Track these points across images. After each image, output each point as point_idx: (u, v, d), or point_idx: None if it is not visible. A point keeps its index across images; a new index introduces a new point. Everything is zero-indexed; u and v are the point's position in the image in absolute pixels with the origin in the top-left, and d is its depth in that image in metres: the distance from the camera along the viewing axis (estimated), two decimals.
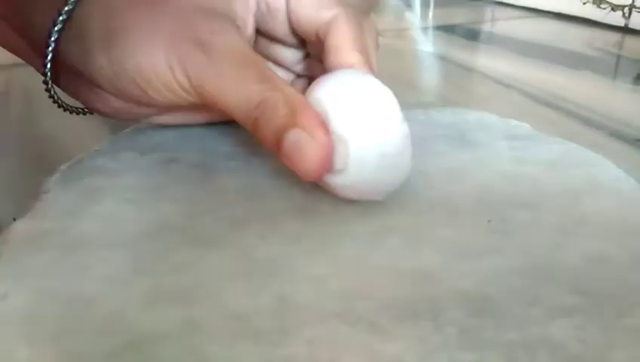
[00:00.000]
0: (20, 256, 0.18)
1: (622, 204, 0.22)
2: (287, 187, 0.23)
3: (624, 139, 0.34)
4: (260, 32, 0.26)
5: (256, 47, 0.27)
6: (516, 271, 0.18)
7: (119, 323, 0.16)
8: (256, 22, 0.25)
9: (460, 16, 0.71)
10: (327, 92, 0.21)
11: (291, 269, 0.18)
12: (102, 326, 0.16)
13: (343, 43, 0.23)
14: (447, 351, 0.15)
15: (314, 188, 0.23)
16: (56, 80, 0.24)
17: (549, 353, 0.15)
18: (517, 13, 0.72)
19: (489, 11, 0.74)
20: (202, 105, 0.23)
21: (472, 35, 0.63)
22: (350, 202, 0.22)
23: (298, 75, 0.28)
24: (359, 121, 0.20)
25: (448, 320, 0.16)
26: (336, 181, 0.21)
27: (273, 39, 0.27)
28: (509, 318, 0.16)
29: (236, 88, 0.21)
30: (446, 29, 0.64)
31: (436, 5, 0.77)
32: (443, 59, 0.51)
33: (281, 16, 0.25)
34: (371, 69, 0.23)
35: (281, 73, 0.28)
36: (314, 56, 0.27)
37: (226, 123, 0.29)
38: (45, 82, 0.24)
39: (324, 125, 0.20)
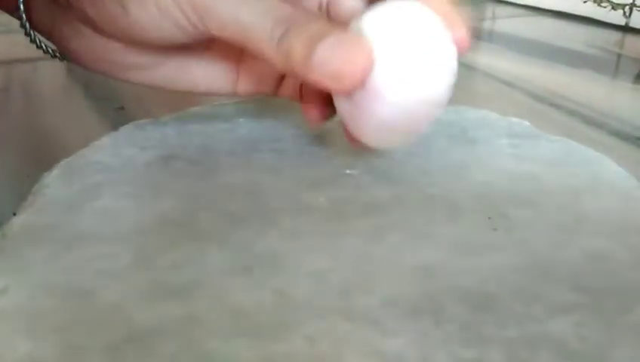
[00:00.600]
0: (20, 250, 0.18)
1: (622, 201, 0.22)
2: (287, 183, 0.23)
3: (625, 138, 0.34)
4: None
5: None
6: (517, 268, 0.18)
7: (119, 318, 0.16)
8: None
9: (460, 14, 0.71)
10: (374, 21, 0.19)
11: (291, 265, 0.18)
12: (101, 320, 0.16)
13: None
14: (447, 347, 0.15)
15: (314, 185, 0.23)
16: (30, 15, 0.22)
17: (550, 350, 0.15)
18: (518, 11, 0.71)
19: (489, 9, 0.74)
20: (201, 41, 0.20)
21: (472, 33, 0.63)
22: (350, 199, 0.22)
23: None
24: (402, 48, 0.18)
25: (449, 317, 0.16)
26: (369, 106, 0.19)
27: None
28: (509, 315, 0.16)
29: (254, 6, 0.18)
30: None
31: None
32: None
33: None
34: None
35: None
36: None
37: (224, 120, 0.29)
38: (19, 17, 0.22)
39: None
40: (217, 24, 0.19)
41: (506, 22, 0.68)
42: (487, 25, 0.68)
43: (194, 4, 0.19)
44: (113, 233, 0.19)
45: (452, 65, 0.20)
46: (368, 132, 0.21)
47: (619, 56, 0.54)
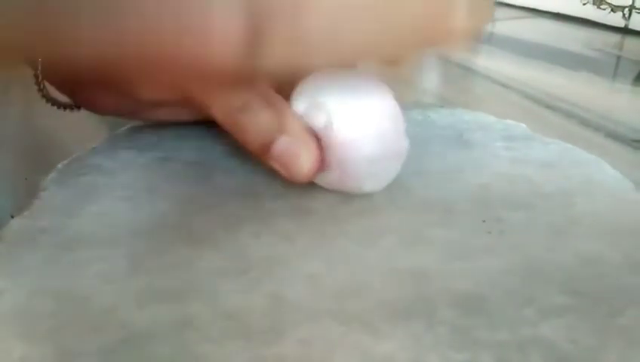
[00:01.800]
0: (16, 253, 0.18)
1: (617, 205, 0.22)
2: (282, 186, 0.23)
3: (622, 140, 0.34)
4: None
5: None
6: (509, 271, 0.18)
7: (113, 321, 0.16)
8: None
9: None
10: (324, 84, 0.21)
11: (285, 268, 0.18)
12: (96, 323, 0.16)
13: None
14: (439, 351, 0.15)
15: (309, 188, 0.23)
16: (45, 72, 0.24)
17: (541, 353, 0.15)
18: (517, 13, 0.72)
19: None
20: (186, 101, 0.23)
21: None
22: (346, 202, 0.22)
23: None
24: (356, 117, 0.20)
25: (441, 320, 0.16)
26: (325, 178, 0.21)
27: None
28: (501, 318, 0.16)
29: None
30: None
31: None
32: (442, 59, 0.51)
33: None
34: None
35: None
36: None
37: None
38: (36, 76, 0.24)
39: (309, 129, 0.21)
40: (190, 98, 0.22)
41: (505, 24, 0.68)
42: (486, 27, 0.68)
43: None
44: (109, 236, 0.19)
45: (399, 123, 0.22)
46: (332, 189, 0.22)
47: (618, 58, 0.54)
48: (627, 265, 0.19)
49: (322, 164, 0.21)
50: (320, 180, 0.22)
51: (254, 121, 0.21)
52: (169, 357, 0.15)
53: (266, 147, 0.20)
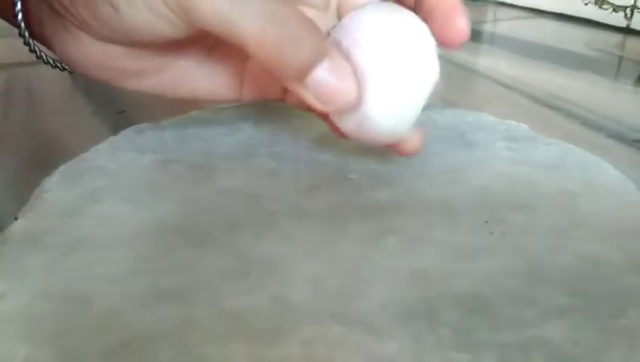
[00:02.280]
0: (20, 255, 0.19)
1: (619, 205, 0.22)
2: (284, 188, 0.23)
3: (623, 141, 0.34)
4: None
5: None
6: (512, 272, 0.18)
7: (117, 323, 0.16)
8: None
9: None
10: (365, 21, 0.20)
11: (288, 269, 0.18)
12: (99, 325, 0.16)
13: None
14: (441, 352, 0.15)
15: (311, 189, 0.23)
16: (30, 25, 0.22)
17: (543, 354, 0.15)
18: (519, 13, 0.71)
19: (491, 11, 0.74)
20: (196, 37, 0.20)
21: (473, 35, 0.63)
22: (348, 204, 0.22)
23: None
24: (392, 58, 0.20)
25: (443, 321, 0.16)
26: (350, 115, 0.21)
27: None
28: (503, 319, 0.16)
29: (252, 22, 0.18)
30: None
31: None
32: (444, 59, 0.51)
33: None
34: None
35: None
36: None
37: (223, 124, 0.29)
38: (18, 26, 0.22)
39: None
40: (200, 18, 0.18)
41: (507, 24, 0.68)
42: (488, 27, 0.68)
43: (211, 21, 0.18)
44: (112, 238, 0.20)
45: (433, 66, 0.21)
46: (359, 134, 0.21)
47: (620, 58, 0.54)
48: (629, 266, 0.19)
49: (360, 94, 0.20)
50: (339, 120, 0.21)
51: (294, 39, 0.18)
52: (171, 358, 0.15)
53: (304, 72, 0.18)
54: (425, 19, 0.21)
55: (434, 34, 0.21)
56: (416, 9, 0.22)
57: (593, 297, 0.17)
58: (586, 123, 0.36)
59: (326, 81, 0.18)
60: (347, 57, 0.20)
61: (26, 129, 0.35)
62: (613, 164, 0.27)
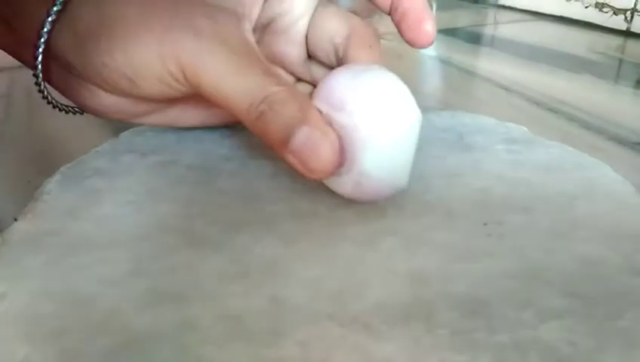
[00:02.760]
0: (20, 256, 0.19)
1: (617, 208, 0.22)
2: (284, 189, 0.23)
3: (624, 143, 0.34)
4: (264, 27, 0.26)
5: (258, 45, 0.26)
6: (509, 273, 0.18)
7: (116, 323, 0.16)
8: (266, 16, 0.25)
9: (462, 19, 0.71)
10: (345, 83, 0.21)
11: (286, 271, 0.18)
12: (99, 325, 0.16)
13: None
14: (438, 353, 0.15)
15: (311, 191, 0.23)
16: (46, 75, 0.23)
17: (540, 355, 0.15)
18: (519, 16, 0.72)
19: (491, 14, 0.74)
20: (198, 99, 0.22)
21: (474, 38, 0.63)
22: (347, 205, 0.22)
23: (298, 79, 0.28)
24: (378, 113, 0.20)
25: (440, 322, 0.16)
26: (346, 178, 0.21)
27: (281, 34, 0.26)
28: (500, 320, 0.16)
29: (238, 79, 0.20)
30: (448, 32, 0.64)
31: (439, 8, 0.77)
32: (445, 62, 0.51)
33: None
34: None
35: (286, 74, 0.27)
36: (319, 58, 0.27)
37: (223, 125, 0.29)
38: (35, 76, 0.23)
39: (329, 125, 0.20)
40: (202, 91, 0.21)
41: (508, 27, 0.68)
42: (488, 30, 0.68)
43: (182, 68, 0.20)
44: (112, 239, 0.20)
45: (414, 109, 0.21)
46: (358, 194, 0.21)
47: (620, 61, 0.54)
48: (627, 268, 0.19)
49: (341, 160, 0.20)
50: (336, 185, 0.21)
51: (276, 112, 0.20)
52: (170, 359, 0.15)
53: (286, 139, 0.19)
54: (398, 23, 0.25)
55: (405, 36, 0.25)
56: (391, 13, 0.25)
57: (590, 298, 0.17)
58: (586, 126, 0.37)
59: (306, 147, 0.19)
60: (329, 122, 0.20)
61: (27, 130, 0.35)
62: (614, 167, 0.27)
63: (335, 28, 0.25)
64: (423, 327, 0.16)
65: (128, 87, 0.22)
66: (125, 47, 0.21)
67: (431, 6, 0.78)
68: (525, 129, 0.29)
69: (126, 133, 0.28)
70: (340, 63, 0.25)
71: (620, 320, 0.16)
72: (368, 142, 0.20)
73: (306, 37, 0.26)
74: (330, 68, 0.25)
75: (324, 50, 0.26)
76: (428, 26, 0.24)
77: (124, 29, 0.21)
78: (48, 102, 0.25)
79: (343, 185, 0.21)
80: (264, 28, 0.26)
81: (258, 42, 0.26)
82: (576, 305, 0.17)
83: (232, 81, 0.20)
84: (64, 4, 0.21)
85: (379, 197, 0.21)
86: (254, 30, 0.26)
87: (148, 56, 0.20)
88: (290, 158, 0.20)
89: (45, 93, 0.24)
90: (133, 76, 0.21)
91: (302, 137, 0.19)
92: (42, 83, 0.23)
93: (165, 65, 0.20)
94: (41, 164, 0.30)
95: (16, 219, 0.22)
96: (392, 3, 0.25)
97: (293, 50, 0.26)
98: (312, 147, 0.19)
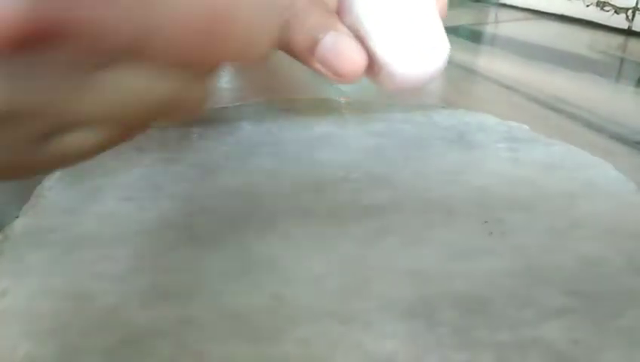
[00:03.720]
0: (21, 253, 0.19)
1: (618, 206, 0.22)
2: (285, 187, 0.23)
3: (625, 142, 0.34)
4: None
5: None
6: (510, 272, 0.18)
7: (117, 320, 0.16)
8: None
9: (463, 17, 0.71)
10: None
11: (288, 269, 0.18)
12: (99, 322, 0.16)
13: None
14: (439, 351, 0.15)
15: (311, 189, 0.23)
16: None
17: (540, 353, 0.15)
18: (520, 14, 0.72)
19: (492, 13, 0.74)
20: None
21: (475, 36, 0.63)
22: (348, 203, 0.22)
23: None
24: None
25: (442, 320, 0.16)
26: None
27: None
28: (501, 319, 0.16)
29: None
30: (450, 31, 0.64)
31: None
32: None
33: None
34: None
35: None
36: None
37: (224, 123, 0.29)
38: None
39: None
40: None
41: (509, 25, 0.68)
42: (489, 29, 0.68)
43: None
44: (113, 236, 0.20)
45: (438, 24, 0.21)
46: (403, 87, 0.21)
47: (621, 60, 0.54)
48: (628, 267, 0.19)
49: (369, 66, 0.20)
50: (384, 85, 0.21)
51: (302, 20, 0.19)
52: (171, 356, 0.15)
53: (313, 46, 0.19)
54: None
55: None
56: None
57: (592, 297, 0.17)
58: (588, 124, 0.37)
59: (333, 51, 0.19)
60: (354, 30, 0.20)
61: None
62: (615, 165, 0.27)
63: None
64: (424, 325, 0.16)
65: None
66: None
67: None
68: (527, 127, 0.29)
69: None
70: None
71: (621, 319, 0.16)
72: (386, 40, 0.20)
73: None
74: None
75: None
76: None
77: None
78: None
79: (384, 84, 0.21)
80: None
81: None
82: (577, 303, 0.17)
83: None
84: None
85: (425, 79, 0.21)
86: None
87: None
88: (318, 66, 0.19)
89: None
90: None
91: (328, 43, 0.19)
92: None
93: None
94: None
95: (17, 216, 0.22)
96: None
97: None
98: (340, 50, 0.19)
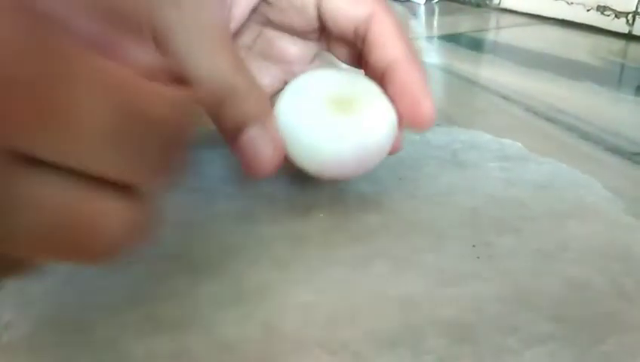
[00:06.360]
0: (23, 283, 0.19)
1: (606, 228, 0.23)
2: (280, 212, 0.24)
3: (621, 154, 0.34)
4: (268, 24, 0.26)
5: (258, 39, 0.26)
6: (497, 297, 0.19)
7: (114, 352, 0.17)
8: (265, 14, 0.25)
9: (464, 24, 0.72)
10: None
11: (279, 296, 0.19)
12: (98, 354, 0.17)
13: (387, 36, 0.22)
14: None
15: (306, 213, 0.23)
16: None
17: None
18: (521, 20, 0.72)
19: (493, 18, 0.74)
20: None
21: (475, 44, 0.63)
22: (340, 227, 0.22)
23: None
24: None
25: (427, 349, 0.17)
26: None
27: (286, 31, 0.26)
28: (486, 346, 0.17)
29: (209, 63, 0.19)
30: (450, 39, 0.64)
31: (441, 13, 0.78)
32: (446, 71, 0.51)
33: (310, 12, 0.24)
34: (416, 60, 0.22)
35: (273, 74, 0.27)
36: (336, 55, 0.26)
37: (222, 144, 0.29)
38: None
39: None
40: (169, 56, 0.20)
41: (509, 31, 0.68)
42: (490, 35, 0.68)
43: (152, 27, 0.19)
44: (111, 265, 0.20)
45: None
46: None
47: (622, 66, 0.54)
48: (613, 291, 0.19)
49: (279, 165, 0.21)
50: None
51: (236, 104, 0.20)
52: None
53: (237, 133, 0.20)
54: (393, 101, 0.22)
55: (402, 116, 0.22)
56: (384, 88, 0.22)
57: (575, 322, 0.18)
58: (584, 136, 0.37)
59: (250, 147, 0.20)
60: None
61: None
62: (610, 178, 0.28)
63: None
64: (410, 354, 0.17)
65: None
66: None
67: (433, 11, 0.79)
68: (519, 145, 0.29)
69: None
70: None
71: (602, 345, 0.17)
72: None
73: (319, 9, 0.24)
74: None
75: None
76: (426, 107, 0.22)
77: None
78: None
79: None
80: (266, 23, 0.26)
81: (259, 36, 0.26)
82: (561, 329, 0.17)
83: (202, 64, 0.20)
84: None
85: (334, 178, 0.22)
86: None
87: None
88: (236, 152, 0.20)
89: None
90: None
91: (250, 138, 0.20)
92: None
93: (140, 15, 0.20)
94: None
95: None
96: (385, 73, 0.22)
97: (296, 49, 0.26)
98: (257, 151, 0.20)
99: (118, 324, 0.18)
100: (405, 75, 0.22)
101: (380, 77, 0.22)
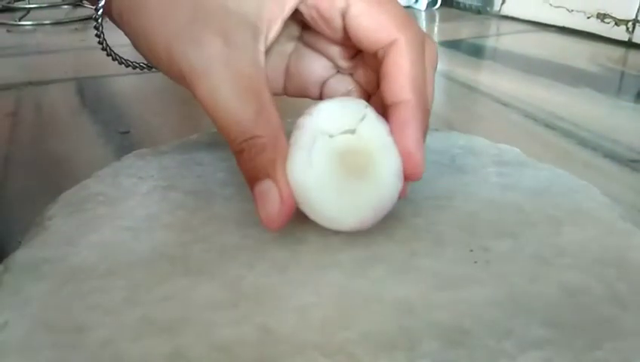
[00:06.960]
0: (21, 284, 0.19)
1: (603, 234, 0.23)
2: None
3: (619, 160, 0.34)
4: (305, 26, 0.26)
5: (300, 36, 0.27)
6: (493, 302, 0.19)
7: (110, 353, 0.17)
8: (300, 21, 0.25)
9: (465, 30, 0.72)
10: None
11: (276, 299, 0.19)
12: (93, 356, 0.17)
13: (399, 77, 0.22)
14: None
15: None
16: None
17: None
18: (522, 27, 0.72)
19: (494, 25, 0.74)
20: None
21: (476, 50, 0.64)
22: (337, 231, 0.22)
23: (338, 71, 0.27)
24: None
25: (423, 352, 0.17)
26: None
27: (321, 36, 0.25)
28: (481, 350, 0.17)
29: (231, 110, 0.21)
30: (451, 45, 0.64)
31: (442, 19, 0.78)
32: (446, 76, 0.52)
33: (335, 25, 0.23)
34: (425, 107, 0.23)
35: (322, 64, 0.26)
36: (366, 60, 0.25)
37: (221, 148, 0.30)
38: (95, 27, 0.25)
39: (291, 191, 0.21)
40: (197, 100, 0.21)
41: (510, 38, 0.69)
42: (490, 42, 0.68)
43: (183, 75, 0.21)
44: (108, 267, 0.20)
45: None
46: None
47: (622, 73, 0.54)
48: (609, 297, 0.19)
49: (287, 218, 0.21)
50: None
51: (253, 156, 0.21)
52: None
53: (254, 182, 0.21)
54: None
55: (382, 95, 0.22)
56: (387, 120, 0.22)
57: (570, 328, 0.18)
58: (583, 142, 0.37)
59: (262, 198, 0.20)
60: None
61: (33, 151, 0.36)
62: (608, 184, 0.28)
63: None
64: (405, 358, 0.17)
65: (154, 63, 0.23)
66: (145, 33, 0.22)
67: (434, 17, 0.79)
68: (518, 150, 0.30)
69: (127, 156, 0.29)
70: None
71: (597, 351, 0.17)
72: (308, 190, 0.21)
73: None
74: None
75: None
76: (416, 160, 0.22)
77: (148, 13, 0.22)
78: (113, 59, 0.27)
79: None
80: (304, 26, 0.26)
81: (301, 35, 0.26)
82: (557, 334, 0.18)
83: (224, 110, 0.21)
84: None
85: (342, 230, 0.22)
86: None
87: (159, 51, 0.22)
88: (254, 198, 0.21)
89: (104, 45, 0.26)
90: (151, 59, 0.23)
91: (263, 188, 0.20)
92: (102, 34, 0.25)
93: (171, 66, 0.22)
94: (46, 185, 0.31)
95: (20, 241, 0.23)
96: (389, 108, 0.22)
97: (334, 49, 0.26)
98: (265, 202, 0.20)
99: (113, 326, 0.18)
100: (404, 123, 0.22)
101: (385, 107, 0.22)
